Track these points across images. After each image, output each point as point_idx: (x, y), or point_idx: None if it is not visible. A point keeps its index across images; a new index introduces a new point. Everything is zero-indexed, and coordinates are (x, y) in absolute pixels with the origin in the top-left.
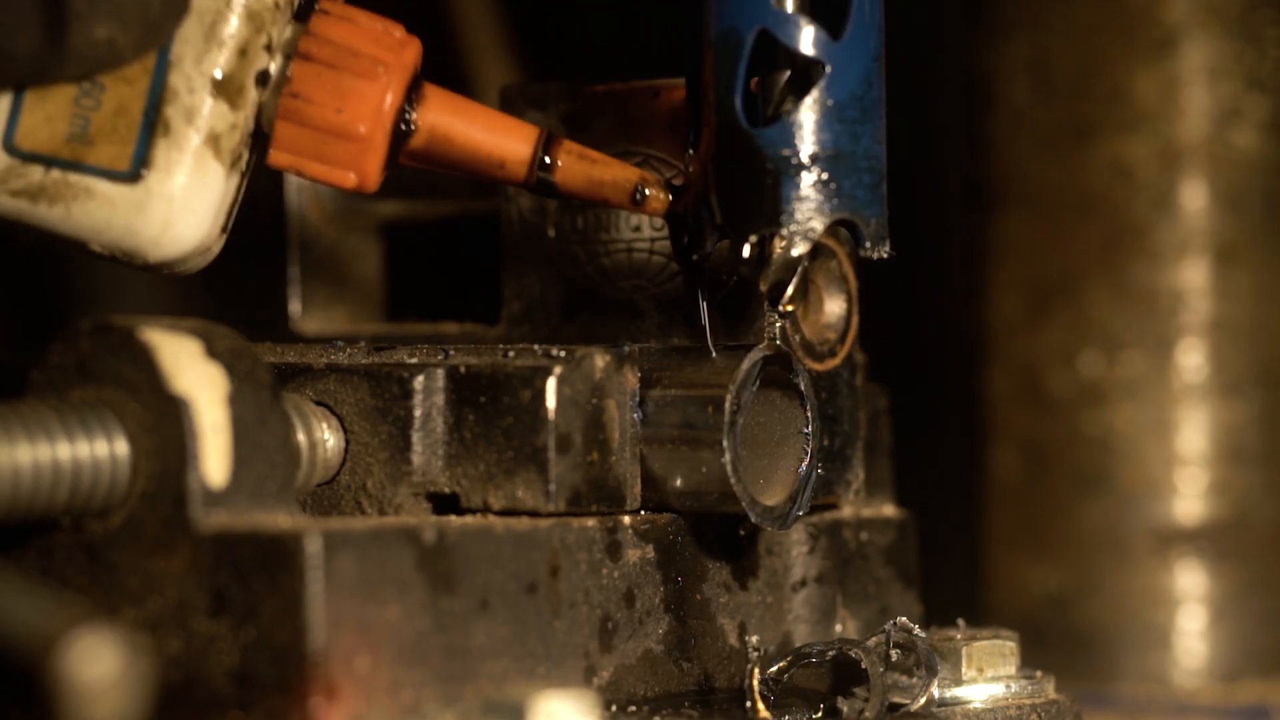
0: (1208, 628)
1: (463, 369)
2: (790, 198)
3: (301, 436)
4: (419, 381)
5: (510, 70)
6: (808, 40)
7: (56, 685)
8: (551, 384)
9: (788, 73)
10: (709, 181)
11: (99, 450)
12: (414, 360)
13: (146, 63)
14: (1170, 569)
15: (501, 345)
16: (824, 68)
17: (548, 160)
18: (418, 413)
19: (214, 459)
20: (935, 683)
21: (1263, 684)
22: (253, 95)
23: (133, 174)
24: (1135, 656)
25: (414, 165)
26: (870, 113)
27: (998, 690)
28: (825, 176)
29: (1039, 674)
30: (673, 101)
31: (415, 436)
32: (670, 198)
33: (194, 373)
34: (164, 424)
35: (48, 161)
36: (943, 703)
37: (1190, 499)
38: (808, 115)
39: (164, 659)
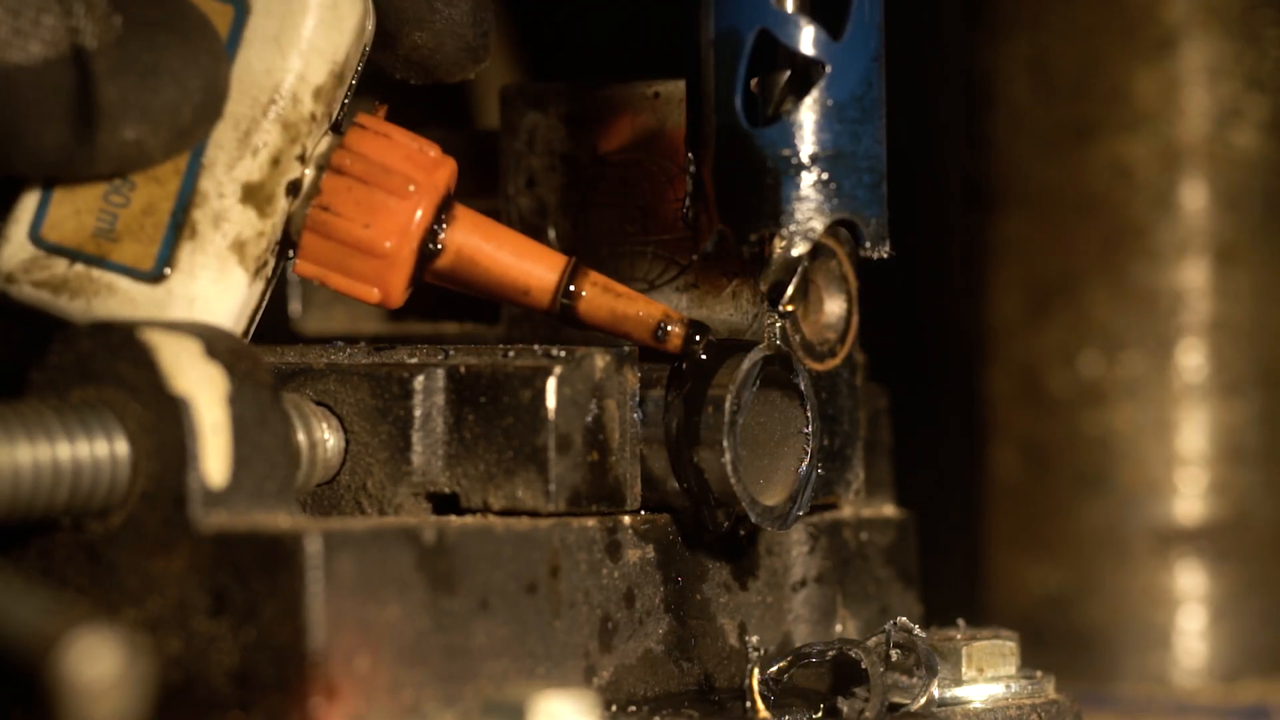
0: (1208, 628)
1: (463, 369)
2: (790, 198)
3: (301, 436)
4: (419, 381)
5: (510, 70)
6: (808, 40)
7: (56, 685)
8: (551, 384)
9: (788, 73)
10: (709, 181)
11: (99, 450)
12: (414, 360)
13: (179, 164)
14: (1170, 569)
15: (501, 345)
16: (824, 68)
17: (572, 289)
18: (418, 413)
19: (214, 459)
20: (935, 683)
21: (1263, 684)
22: (282, 204)
23: (156, 274)
24: (1135, 656)
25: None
26: (870, 113)
27: (998, 690)
28: (825, 176)
29: (1039, 674)
30: (672, 102)
31: (415, 436)
32: (691, 333)
33: (194, 373)
34: (164, 424)
35: (72, 255)
36: (943, 703)
37: (1190, 499)
38: (808, 115)
39: (164, 659)
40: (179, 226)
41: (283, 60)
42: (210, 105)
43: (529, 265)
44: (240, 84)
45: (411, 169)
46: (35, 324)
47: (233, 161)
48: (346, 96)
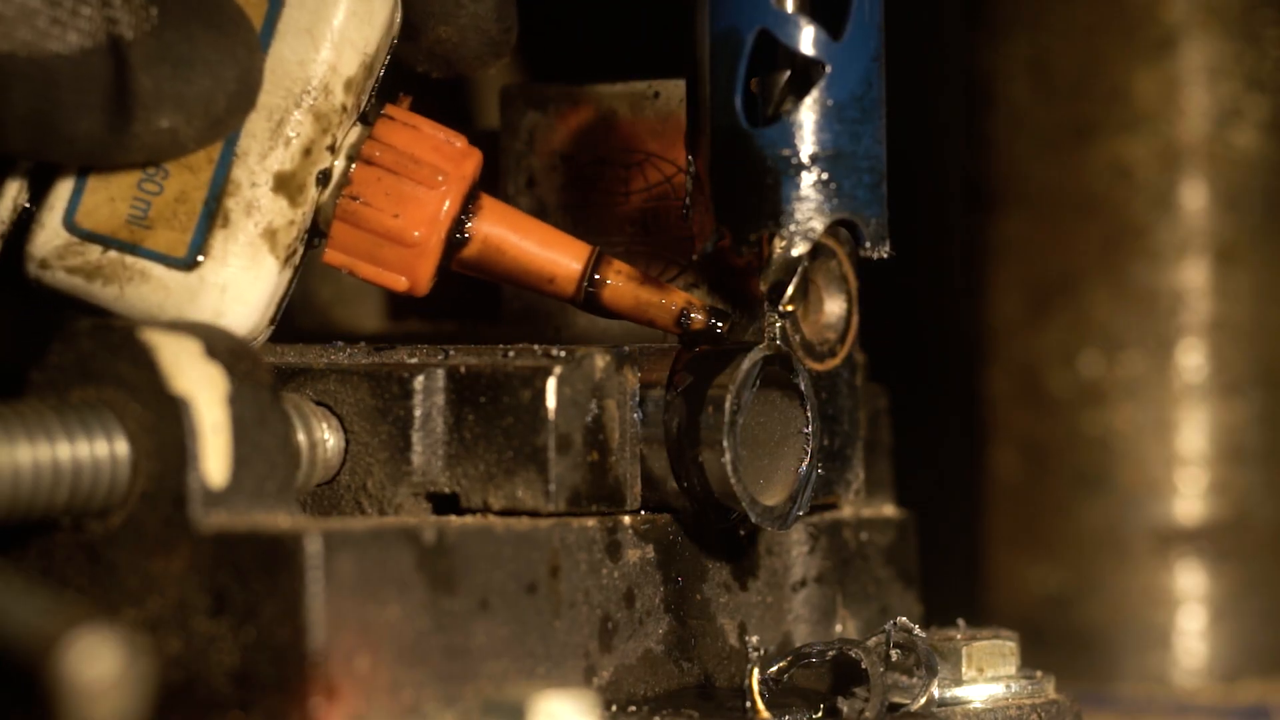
0: (1208, 628)
1: (463, 369)
2: (790, 198)
3: (301, 436)
4: (419, 381)
5: (510, 70)
6: (808, 40)
7: (56, 685)
8: (551, 384)
9: (788, 73)
10: (708, 181)
11: (99, 450)
12: (414, 360)
13: (212, 153)
14: (1170, 569)
15: (501, 345)
16: (824, 68)
17: (597, 277)
18: (418, 413)
19: (214, 459)
20: (935, 683)
21: (1263, 684)
22: (313, 194)
23: (189, 261)
24: (1135, 656)
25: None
26: (870, 113)
27: (998, 690)
28: (825, 176)
29: (1039, 674)
30: (672, 101)
31: (415, 436)
32: (714, 320)
33: (194, 373)
34: (164, 424)
35: (106, 242)
36: (943, 703)
37: (1190, 499)
38: (808, 115)
39: (164, 659)
40: (212, 215)
41: (316, 52)
42: (244, 95)
43: (554, 254)
44: (273, 75)
45: (440, 160)
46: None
47: (265, 151)
48: (374, 88)
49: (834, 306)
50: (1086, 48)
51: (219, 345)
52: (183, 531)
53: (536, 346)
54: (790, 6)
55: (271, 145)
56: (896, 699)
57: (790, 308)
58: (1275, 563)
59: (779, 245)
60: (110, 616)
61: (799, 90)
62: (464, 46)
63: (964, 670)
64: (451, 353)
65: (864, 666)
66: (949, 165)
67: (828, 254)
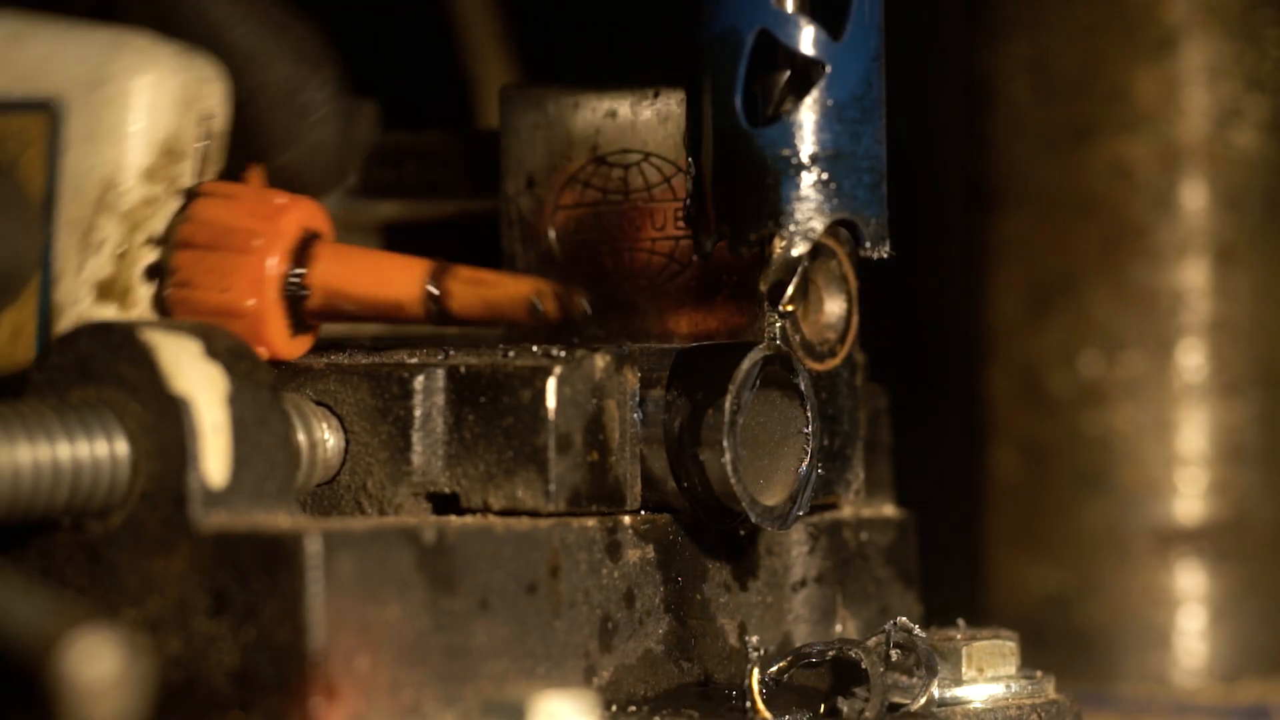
0: (1208, 628)
1: (463, 369)
2: (790, 198)
3: (301, 436)
4: (419, 381)
5: (510, 70)
6: (808, 40)
7: (56, 685)
8: (551, 384)
9: (788, 73)
10: (709, 181)
11: (99, 450)
12: (414, 360)
13: (32, 283)
14: (1170, 569)
15: (501, 345)
16: (824, 68)
17: (437, 292)
18: (418, 413)
19: (214, 459)
20: (935, 683)
21: (1263, 684)
22: (143, 292)
23: None
24: (1135, 656)
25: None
26: (870, 113)
27: (998, 690)
28: (825, 176)
29: (1039, 674)
30: (672, 101)
31: (415, 436)
32: (566, 299)
33: (194, 373)
34: (164, 424)
35: None
36: (943, 703)
37: (1190, 499)
38: (808, 115)
39: (164, 659)
40: (48, 343)
41: (103, 153)
42: (19, 268)
43: (390, 282)
44: (71, 187)
45: (255, 222)
46: None
47: (80, 265)
48: (202, 156)
49: (834, 306)
50: (1086, 48)
51: (219, 345)
52: (183, 531)
53: (536, 346)
54: (790, 6)
55: (85, 257)
56: (896, 699)
57: (790, 308)
58: (1275, 563)
59: (779, 245)
60: (110, 616)
61: (799, 90)
62: (309, 173)
63: (964, 670)
64: (451, 353)
65: (864, 666)
66: (949, 165)
67: (828, 254)
